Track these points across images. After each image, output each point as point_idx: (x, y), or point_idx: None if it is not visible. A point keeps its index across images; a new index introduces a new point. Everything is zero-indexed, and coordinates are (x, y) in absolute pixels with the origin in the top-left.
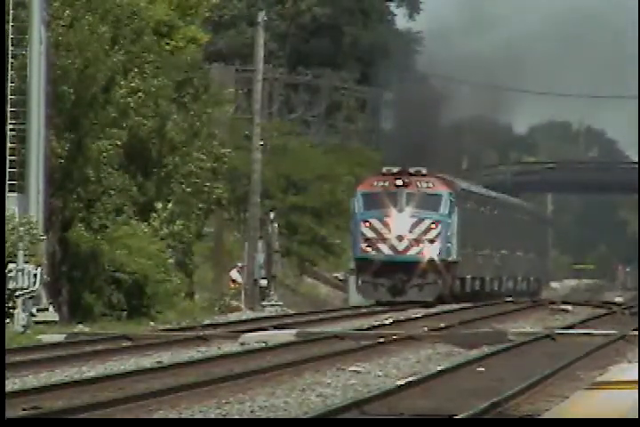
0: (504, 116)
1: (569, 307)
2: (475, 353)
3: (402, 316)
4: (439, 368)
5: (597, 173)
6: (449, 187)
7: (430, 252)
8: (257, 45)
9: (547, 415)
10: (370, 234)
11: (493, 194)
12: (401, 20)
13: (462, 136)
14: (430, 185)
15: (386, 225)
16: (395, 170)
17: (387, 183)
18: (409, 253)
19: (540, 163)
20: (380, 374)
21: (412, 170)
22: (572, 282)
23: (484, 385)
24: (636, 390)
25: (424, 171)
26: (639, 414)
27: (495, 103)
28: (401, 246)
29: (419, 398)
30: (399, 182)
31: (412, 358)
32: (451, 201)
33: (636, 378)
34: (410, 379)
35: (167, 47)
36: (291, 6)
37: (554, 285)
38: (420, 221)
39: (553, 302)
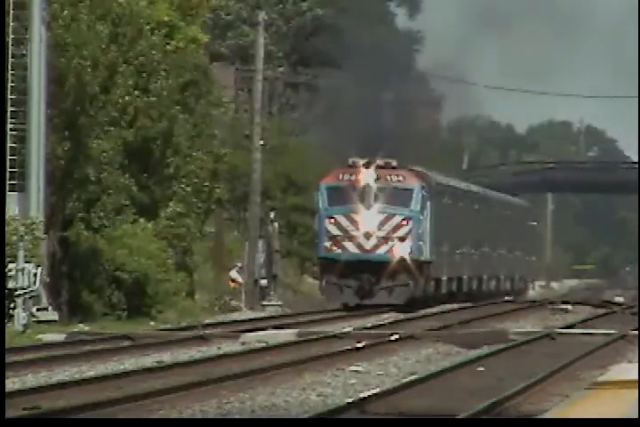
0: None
1: (569, 306)
2: (475, 353)
3: (402, 315)
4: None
5: (597, 173)
6: (421, 180)
7: (401, 250)
8: (257, 45)
9: (547, 415)
10: (335, 231)
11: (474, 188)
12: (401, 20)
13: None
14: (401, 178)
15: (352, 222)
16: (362, 162)
17: (353, 176)
18: (377, 251)
19: (540, 163)
20: (380, 373)
21: (380, 162)
22: (573, 282)
23: (484, 385)
24: (636, 390)
25: (394, 163)
26: (639, 414)
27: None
28: (369, 245)
29: (419, 398)
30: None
31: (412, 358)
32: (423, 196)
33: (636, 378)
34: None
35: (168, 47)
36: (291, 6)
37: (553, 284)
38: (390, 217)
39: (553, 302)
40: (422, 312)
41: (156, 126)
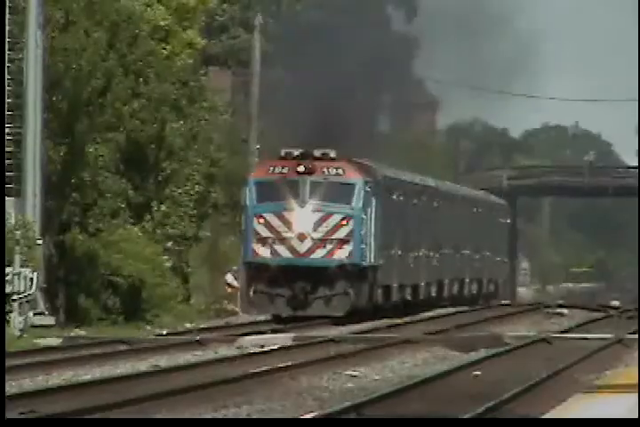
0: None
1: (565, 310)
2: (471, 357)
3: (398, 319)
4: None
5: (594, 177)
6: (365, 174)
7: (340, 254)
8: (254, 48)
9: (546, 416)
10: (264, 233)
11: (431, 182)
12: (399, 23)
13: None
14: (340, 172)
15: (284, 221)
16: (296, 153)
17: (286, 169)
18: (313, 256)
19: (537, 167)
20: (377, 377)
21: (317, 153)
22: (569, 285)
23: (480, 389)
24: (635, 394)
25: (332, 154)
26: (639, 414)
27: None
28: (303, 248)
29: (415, 402)
30: (301, 168)
31: (409, 362)
32: (366, 191)
33: (635, 382)
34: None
35: (164, 52)
36: (286, 8)
37: (549, 288)
38: (327, 216)
39: (549, 306)
40: (418, 316)
41: (148, 130)
